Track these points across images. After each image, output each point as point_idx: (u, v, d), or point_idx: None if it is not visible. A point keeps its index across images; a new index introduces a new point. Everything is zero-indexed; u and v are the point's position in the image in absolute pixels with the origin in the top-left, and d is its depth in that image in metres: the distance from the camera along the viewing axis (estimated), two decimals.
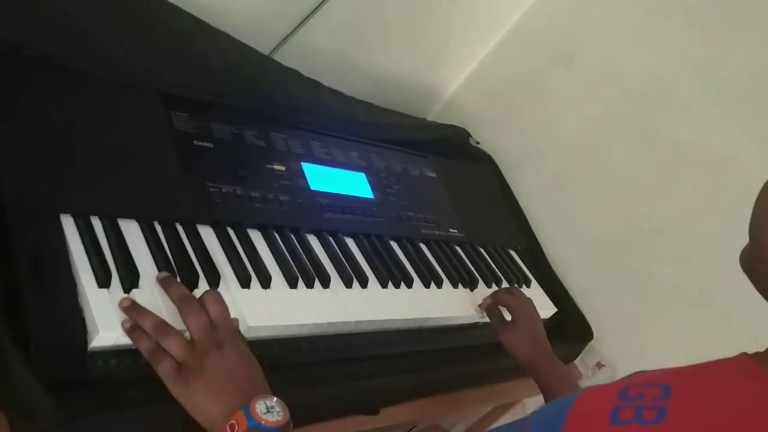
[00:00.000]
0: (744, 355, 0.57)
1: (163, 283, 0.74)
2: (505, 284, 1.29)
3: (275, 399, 0.66)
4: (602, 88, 1.50)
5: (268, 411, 0.64)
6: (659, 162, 1.41)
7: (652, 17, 1.43)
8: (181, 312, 0.70)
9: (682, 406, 0.51)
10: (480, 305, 1.12)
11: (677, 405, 0.51)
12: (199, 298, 0.73)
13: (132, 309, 0.69)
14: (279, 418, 0.64)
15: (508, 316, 1.10)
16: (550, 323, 1.36)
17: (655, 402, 0.53)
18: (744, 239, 1.32)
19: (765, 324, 1.24)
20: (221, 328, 0.70)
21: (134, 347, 0.69)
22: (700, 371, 0.58)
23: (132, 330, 0.68)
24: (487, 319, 1.11)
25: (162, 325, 0.68)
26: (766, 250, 0.58)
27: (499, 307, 1.11)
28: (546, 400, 0.98)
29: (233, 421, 0.63)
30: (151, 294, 0.73)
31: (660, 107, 1.42)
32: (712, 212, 1.33)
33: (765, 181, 0.61)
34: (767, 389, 0.51)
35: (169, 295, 0.73)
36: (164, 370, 0.66)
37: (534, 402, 1.31)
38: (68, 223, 0.73)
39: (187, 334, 0.70)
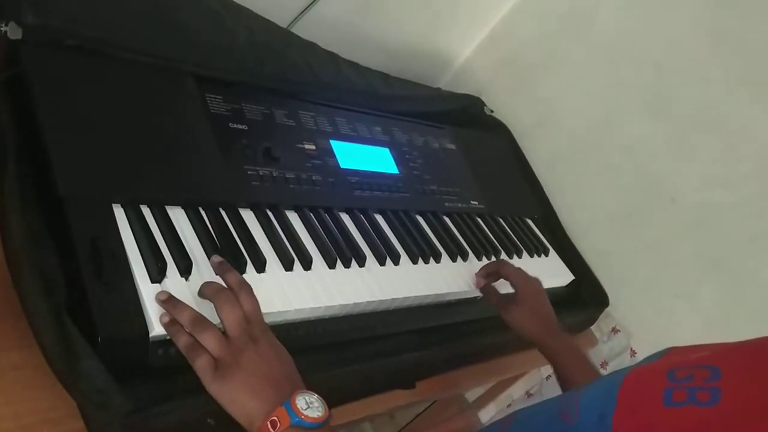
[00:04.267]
0: None
1: (219, 268, 0.75)
2: (525, 255, 1.32)
3: (315, 395, 0.65)
4: (617, 55, 1.50)
5: (308, 407, 0.63)
6: (674, 130, 1.41)
7: None
8: (216, 305, 0.69)
9: (735, 387, 0.52)
10: (478, 276, 1.10)
11: (729, 386, 0.52)
12: (232, 291, 0.71)
13: (169, 302, 0.69)
14: (319, 414, 0.63)
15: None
16: (567, 290, 1.39)
17: (706, 383, 0.53)
18: (758, 207, 1.34)
19: None
20: (254, 323, 0.70)
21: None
22: (745, 351, 0.59)
23: (170, 324, 0.68)
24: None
25: (199, 319, 0.68)
26: None
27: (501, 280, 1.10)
28: (557, 376, 0.99)
29: (274, 418, 0.62)
30: (202, 281, 0.74)
31: (675, 76, 1.42)
32: (726, 180, 1.34)
33: None
34: None
35: (225, 280, 0.73)
36: (200, 365, 0.65)
37: None
38: (120, 214, 0.74)
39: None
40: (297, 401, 0.63)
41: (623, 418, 0.55)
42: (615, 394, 0.58)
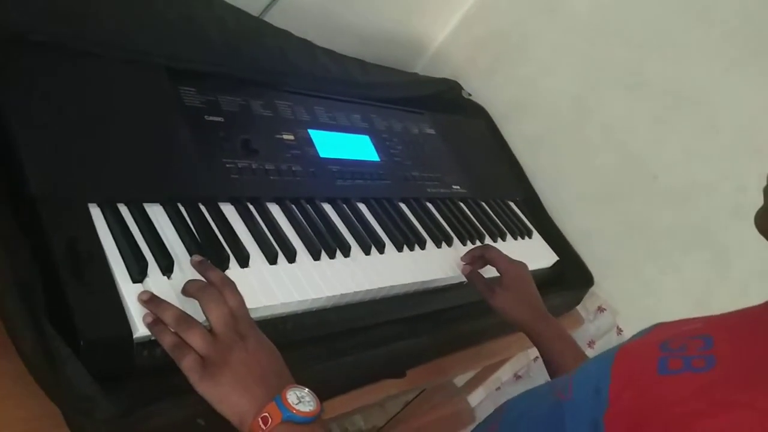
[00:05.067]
0: None
1: (200, 267, 0.73)
2: (509, 238, 1.31)
3: (306, 389, 0.64)
4: (592, 34, 1.49)
5: (300, 401, 0.63)
6: (652, 106, 1.42)
7: None
8: (201, 303, 0.68)
9: (728, 353, 0.53)
10: (463, 261, 1.08)
11: (722, 353, 0.53)
12: (215, 288, 0.70)
13: (151, 302, 0.67)
14: (311, 408, 0.63)
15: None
16: (551, 271, 1.39)
17: (700, 352, 0.54)
18: (739, 180, 1.35)
19: (761, 264, 1.29)
20: (241, 319, 0.68)
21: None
22: (735, 319, 0.59)
23: (153, 324, 0.66)
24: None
25: (183, 318, 0.66)
26: None
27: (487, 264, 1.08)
28: (545, 360, 0.99)
29: (266, 414, 0.61)
30: (184, 279, 0.73)
31: (651, 51, 1.42)
32: (707, 155, 1.35)
33: None
34: None
35: (207, 278, 0.72)
36: (188, 364, 0.63)
37: None
38: (97, 213, 0.71)
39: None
40: (288, 396, 0.62)
41: (620, 389, 0.56)
42: (608, 369, 0.58)
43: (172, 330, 0.66)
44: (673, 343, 0.57)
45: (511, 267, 1.06)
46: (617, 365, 0.59)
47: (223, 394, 0.63)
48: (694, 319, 0.64)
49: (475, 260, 1.09)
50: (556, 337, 0.99)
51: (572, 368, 0.90)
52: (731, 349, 0.53)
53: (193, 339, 0.65)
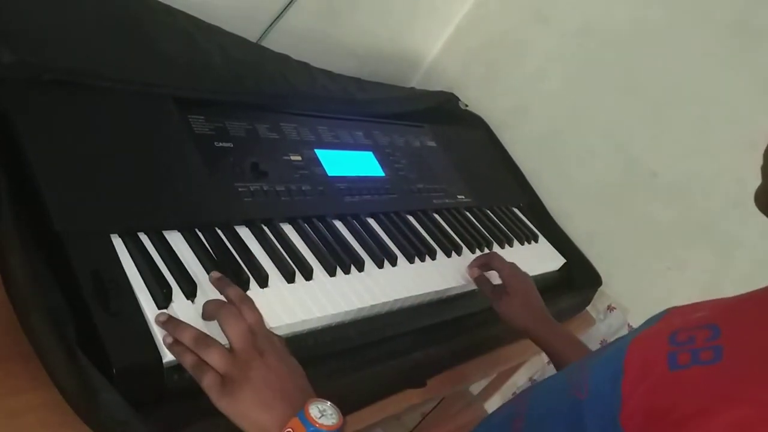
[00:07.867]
0: None
1: (218, 283, 0.75)
2: (516, 243, 1.33)
3: (327, 402, 0.64)
4: (582, 38, 1.52)
5: (322, 415, 0.63)
6: (647, 106, 1.44)
7: None
8: (220, 320, 0.69)
9: (735, 343, 0.53)
10: (470, 271, 1.10)
11: (730, 342, 0.53)
12: (233, 305, 0.71)
13: (169, 323, 0.68)
14: (334, 421, 0.63)
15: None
16: (559, 274, 1.41)
17: (707, 343, 0.54)
18: (737, 172, 1.37)
19: (764, 251, 1.31)
20: (260, 335, 0.69)
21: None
22: (740, 305, 0.59)
23: (173, 345, 0.67)
24: None
25: (201, 338, 0.67)
26: None
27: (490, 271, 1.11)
28: (553, 361, 1.00)
29: (289, 429, 0.62)
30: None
31: (641, 50, 1.45)
32: (704, 149, 1.37)
33: None
34: None
35: (225, 296, 0.73)
36: (207, 382, 0.64)
37: None
38: (119, 243, 0.73)
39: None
40: (310, 410, 0.62)
41: (632, 385, 0.56)
42: (621, 363, 0.59)
43: (192, 350, 0.66)
44: (681, 335, 0.57)
45: (514, 275, 1.07)
46: (630, 358, 0.59)
47: (244, 411, 0.63)
48: (702, 304, 0.64)
49: (481, 267, 1.11)
50: (563, 342, 1.00)
51: None
52: (737, 338, 0.54)
53: (211, 357, 0.65)
